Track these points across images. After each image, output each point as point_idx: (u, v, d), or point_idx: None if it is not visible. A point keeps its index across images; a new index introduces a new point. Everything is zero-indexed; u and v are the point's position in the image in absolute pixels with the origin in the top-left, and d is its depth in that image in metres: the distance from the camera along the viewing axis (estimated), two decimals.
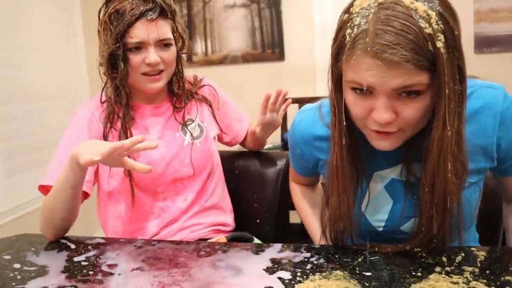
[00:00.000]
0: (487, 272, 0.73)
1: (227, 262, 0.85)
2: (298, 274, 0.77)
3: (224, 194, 1.31)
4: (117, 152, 0.88)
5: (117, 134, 1.15)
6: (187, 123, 1.23)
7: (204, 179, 1.22)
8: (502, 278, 0.71)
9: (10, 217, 2.26)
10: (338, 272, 0.77)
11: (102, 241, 1.00)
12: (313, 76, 2.90)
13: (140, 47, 1.11)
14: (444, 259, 0.78)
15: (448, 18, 0.70)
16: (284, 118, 2.60)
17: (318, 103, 0.97)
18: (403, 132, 0.76)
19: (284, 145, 2.41)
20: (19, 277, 0.84)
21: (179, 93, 1.23)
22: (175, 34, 1.16)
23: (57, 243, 1.01)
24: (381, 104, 0.72)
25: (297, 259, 0.84)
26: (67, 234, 1.06)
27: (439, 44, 0.68)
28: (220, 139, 1.36)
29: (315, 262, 0.82)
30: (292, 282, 0.75)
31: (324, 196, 0.92)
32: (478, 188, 0.87)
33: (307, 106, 1.00)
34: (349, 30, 0.72)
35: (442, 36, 0.68)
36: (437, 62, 0.68)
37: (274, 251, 0.88)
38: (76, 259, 0.91)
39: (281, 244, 0.91)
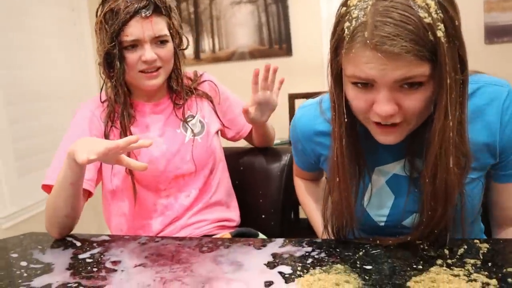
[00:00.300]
0: (489, 264, 0.72)
1: (228, 257, 0.85)
2: (299, 268, 0.77)
3: (229, 190, 1.31)
4: (112, 151, 0.89)
5: (118, 133, 1.16)
6: (188, 120, 1.23)
7: (206, 175, 1.22)
8: (504, 270, 0.70)
9: (23, 216, 2.29)
10: (338, 266, 0.77)
11: (107, 238, 1.01)
12: (321, 71, 2.88)
13: (136, 45, 1.11)
14: (446, 251, 0.78)
15: (448, 7, 0.69)
16: (291, 112, 2.60)
17: (318, 99, 0.97)
18: (406, 124, 0.75)
19: None
20: (25, 274, 0.85)
21: (178, 90, 1.23)
22: (171, 31, 1.16)
23: (63, 241, 1.03)
24: (382, 96, 0.71)
25: (298, 254, 0.84)
26: (76, 232, 1.07)
27: (439, 34, 0.67)
28: (223, 135, 1.35)
29: (316, 256, 0.82)
30: (292, 276, 0.75)
31: (326, 191, 0.91)
32: (481, 184, 0.86)
33: (308, 101, 0.99)
34: (347, 23, 0.71)
35: (442, 25, 0.67)
36: (437, 52, 0.67)
37: (276, 246, 0.88)
38: (81, 256, 0.92)
39: (283, 239, 0.91)
